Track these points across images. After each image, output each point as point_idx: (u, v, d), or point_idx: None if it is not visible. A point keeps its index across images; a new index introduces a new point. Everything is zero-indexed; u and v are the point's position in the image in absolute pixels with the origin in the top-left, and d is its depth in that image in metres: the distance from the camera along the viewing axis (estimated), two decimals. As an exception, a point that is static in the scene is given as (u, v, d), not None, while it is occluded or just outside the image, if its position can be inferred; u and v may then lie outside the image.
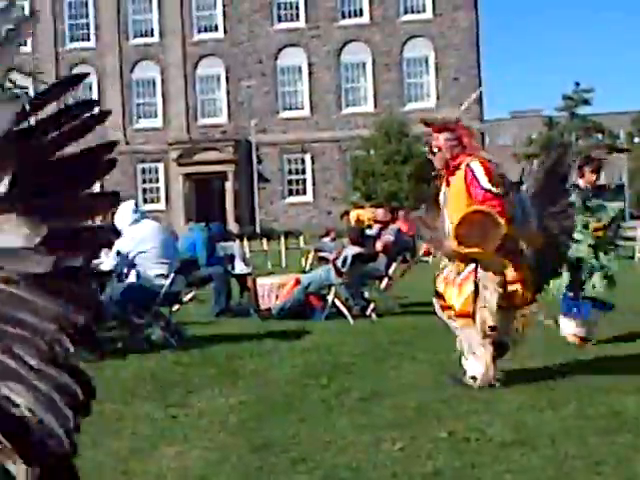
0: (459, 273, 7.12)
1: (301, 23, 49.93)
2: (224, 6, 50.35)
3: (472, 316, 7.00)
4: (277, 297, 12.67)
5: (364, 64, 49.72)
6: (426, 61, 49.24)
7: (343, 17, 49.71)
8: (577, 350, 8.57)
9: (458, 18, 48.76)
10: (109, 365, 8.57)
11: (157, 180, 51.44)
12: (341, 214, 24.63)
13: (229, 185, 49.59)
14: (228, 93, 50.71)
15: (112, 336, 10.56)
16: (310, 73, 49.93)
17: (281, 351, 9.19)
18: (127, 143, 51.03)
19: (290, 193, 50.27)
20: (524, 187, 7.62)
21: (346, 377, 7.58)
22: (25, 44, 52.26)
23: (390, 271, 12.88)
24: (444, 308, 7.28)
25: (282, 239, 29.70)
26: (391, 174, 42.71)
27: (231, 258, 14.46)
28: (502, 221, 6.77)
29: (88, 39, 52.00)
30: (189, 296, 12.21)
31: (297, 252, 26.74)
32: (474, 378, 7.00)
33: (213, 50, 50.65)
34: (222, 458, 5.18)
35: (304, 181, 50.05)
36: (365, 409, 6.34)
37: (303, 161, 50.12)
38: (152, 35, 51.46)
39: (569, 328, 9.18)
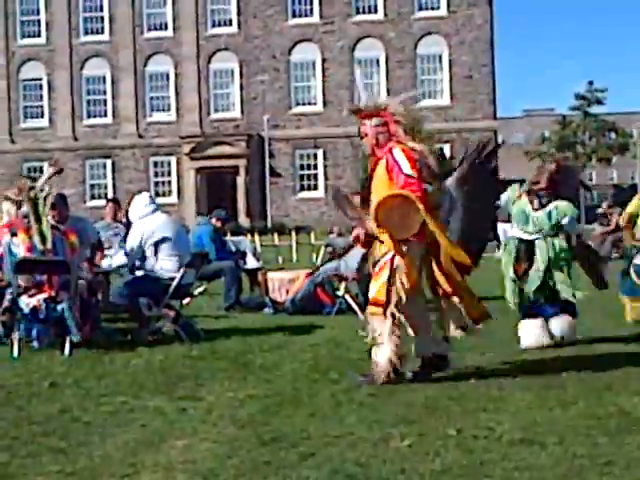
0: (376, 262, 7.14)
1: (315, 19, 49.92)
2: (238, 1, 50.33)
3: (384, 306, 6.96)
4: (287, 292, 12.69)
5: (378, 60, 49.69)
6: (440, 58, 49.16)
7: (357, 13, 49.68)
8: (587, 349, 8.55)
9: (472, 15, 48.68)
10: (119, 357, 8.60)
11: (169, 173, 51.50)
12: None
13: (241, 180, 49.63)
14: (241, 88, 50.72)
15: (122, 328, 10.59)
16: (323, 69, 49.92)
17: (291, 346, 9.19)
18: (140, 136, 51.13)
19: (302, 188, 50.28)
20: (449, 181, 7.58)
21: (356, 373, 7.58)
22: (40, 35, 52.42)
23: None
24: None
25: (293, 234, 29.74)
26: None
27: (243, 254, 14.48)
28: (421, 206, 6.79)
29: (102, 32, 52.05)
30: (200, 289, 12.22)
31: (308, 247, 26.76)
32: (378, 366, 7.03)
33: (227, 45, 50.66)
34: (231, 452, 5.19)
35: (316, 176, 50.05)
36: (374, 405, 6.34)
37: (315, 156, 50.12)
38: (166, 29, 51.49)
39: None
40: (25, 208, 9.97)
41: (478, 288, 7.68)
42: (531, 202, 9.29)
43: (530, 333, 8.97)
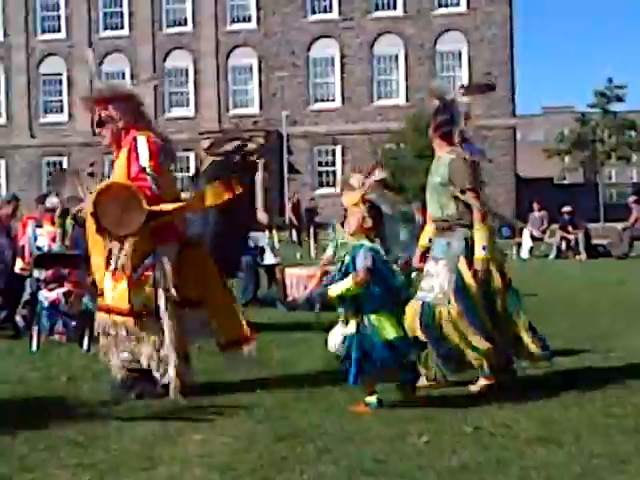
0: (135, 268, 6.47)
1: (334, 15, 49.82)
2: (258, -4, 50.37)
3: (130, 314, 6.44)
4: (305, 288, 12.66)
5: (397, 57, 49.55)
6: (459, 55, 49.02)
7: (377, 9, 49.55)
8: (605, 349, 8.51)
9: (492, 12, 48.48)
10: (137, 352, 8.63)
11: (188, 169, 51.55)
12: None
13: (259, 176, 49.65)
14: (260, 84, 50.72)
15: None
16: (342, 65, 49.82)
17: (308, 341, 9.19)
18: (159, 132, 51.15)
19: (320, 185, 50.21)
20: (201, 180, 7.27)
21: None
22: (60, 30, 52.61)
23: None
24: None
25: (311, 230, 29.72)
26: (420, 169, 42.52)
27: (261, 250, 14.46)
28: (146, 206, 6.22)
29: (122, 27, 52.15)
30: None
31: (326, 243, 26.74)
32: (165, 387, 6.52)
33: (246, 41, 50.65)
34: (248, 446, 5.21)
35: (334, 173, 49.95)
36: (391, 401, 6.34)
37: (334, 153, 50.06)
38: (185, 24, 51.52)
39: None
40: (51, 200, 10.11)
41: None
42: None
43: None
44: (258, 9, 50.46)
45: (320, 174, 50.35)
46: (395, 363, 6.03)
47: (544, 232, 25.96)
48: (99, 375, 7.48)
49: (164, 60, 51.58)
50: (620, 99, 60.23)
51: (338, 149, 50.02)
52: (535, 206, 26.73)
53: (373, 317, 6.05)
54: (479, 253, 6.49)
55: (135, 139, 6.58)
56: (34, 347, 9.04)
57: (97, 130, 6.84)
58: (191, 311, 6.75)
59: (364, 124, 49.02)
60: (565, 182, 71.43)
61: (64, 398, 6.67)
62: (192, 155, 51.14)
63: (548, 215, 26.36)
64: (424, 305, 6.54)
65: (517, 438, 5.31)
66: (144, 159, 6.45)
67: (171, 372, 6.51)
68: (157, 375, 6.58)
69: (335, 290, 6.14)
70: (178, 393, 6.47)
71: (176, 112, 51.55)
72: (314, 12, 49.96)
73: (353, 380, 6.06)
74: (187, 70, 51.61)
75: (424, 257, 7.05)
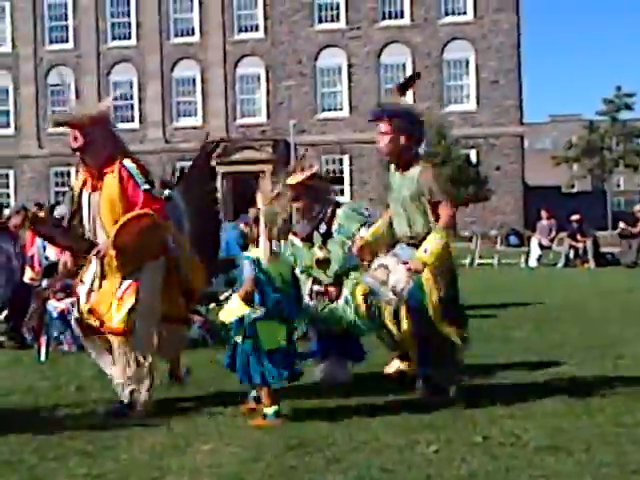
0: (120, 285, 6.39)
1: (341, 24, 49.89)
2: (265, 6, 50.44)
3: (129, 334, 6.33)
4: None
5: (404, 65, 49.56)
6: (466, 63, 49.03)
7: (384, 18, 49.60)
8: (613, 357, 8.49)
9: (499, 20, 48.49)
10: (145, 361, 8.62)
11: (195, 178, 51.61)
12: None
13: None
14: (268, 93, 50.79)
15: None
16: (350, 74, 49.87)
17: (316, 351, 9.17)
18: (167, 141, 51.30)
19: (328, 194, 50.23)
20: (176, 190, 7.20)
21: (381, 378, 7.56)
22: (67, 41, 52.79)
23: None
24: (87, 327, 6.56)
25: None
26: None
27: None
28: (166, 225, 6.38)
29: (130, 37, 52.30)
30: (225, 294, 12.23)
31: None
32: (130, 406, 6.45)
33: (253, 50, 50.74)
34: (257, 456, 5.20)
35: (342, 181, 50.00)
36: (400, 411, 6.33)
37: (341, 162, 50.10)
38: (193, 34, 51.65)
39: None
40: (60, 210, 10.12)
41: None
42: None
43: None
44: (265, 18, 50.56)
45: (328, 183, 50.34)
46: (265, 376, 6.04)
47: (552, 240, 25.88)
48: (108, 385, 7.48)
49: (172, 70, 51.71)
50: (629, 107, 60.27)
51: (346, 158, 50.06)
52: (543, 214, 26.66)
53: (258, 325, 6.00)
54: (420, 253, 6.44)
55: (122, 164, 6.41)
56: (43, 357, 9.04)
57: (79, 155, 6.58)
58: (168, 326, 6.73)
59: (372, 133, 48.60)
60: (573, 190, 71.38)
61: (73, 408, 6.68)
62: (200, 164, 51.17)
63: (556, 223, 26.29)
64: (370, 297, 6.70)
65: (526, 447, 5.30)
66: (142, 182, 6.38)
67: (144, 390, 6.47)
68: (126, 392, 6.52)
69: (228, 316, 6.09)
70: (147, 408, 6.44)
71: (184, 121, 51.67)
72: (321, 21, 50.03)
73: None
74: (195, 79, 51.71)
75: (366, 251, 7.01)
